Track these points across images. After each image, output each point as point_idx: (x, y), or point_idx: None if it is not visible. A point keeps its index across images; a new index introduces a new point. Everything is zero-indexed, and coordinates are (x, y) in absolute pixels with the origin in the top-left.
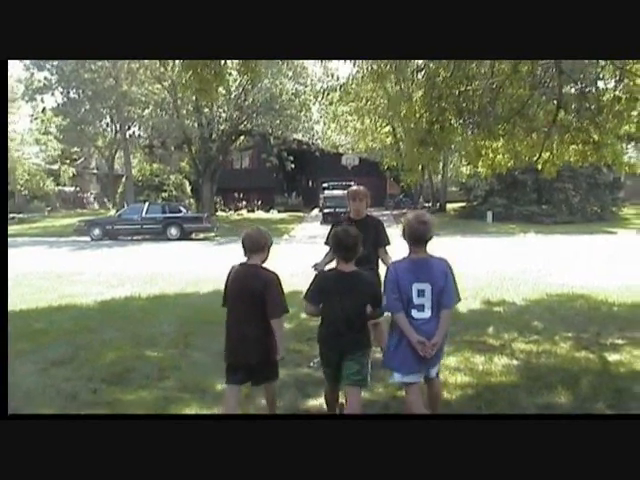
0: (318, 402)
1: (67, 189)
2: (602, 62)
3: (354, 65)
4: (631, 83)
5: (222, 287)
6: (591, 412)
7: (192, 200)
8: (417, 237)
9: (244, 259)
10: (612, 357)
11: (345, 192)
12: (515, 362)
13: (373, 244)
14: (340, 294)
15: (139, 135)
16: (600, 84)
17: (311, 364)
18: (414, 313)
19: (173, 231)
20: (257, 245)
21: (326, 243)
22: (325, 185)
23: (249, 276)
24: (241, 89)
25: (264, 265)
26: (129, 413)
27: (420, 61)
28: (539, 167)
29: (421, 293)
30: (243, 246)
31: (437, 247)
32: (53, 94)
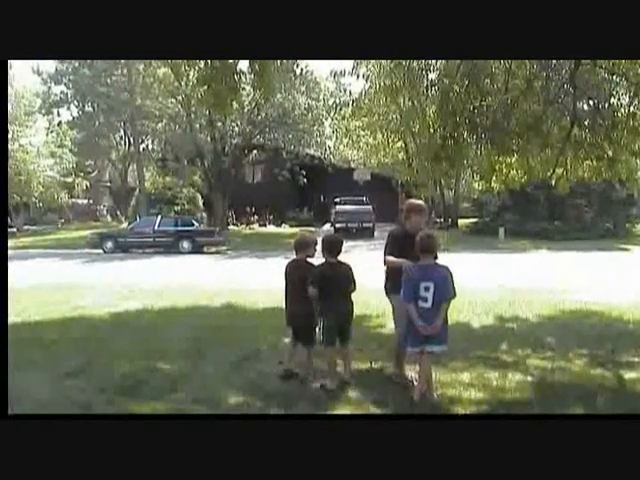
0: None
1: (80, 201)
2: (616, 78)
3: (367, 80)
4: None
5: (234, 301)
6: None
7: (204, 214)
8: (425, 248)
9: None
10: (628, 375)
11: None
12: (529, 378)
13: None
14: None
15: (152, 148)
16: (614, 100)
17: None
18: (420, 303)
19: (185, 244)
20: (302, 245)
21: None
22: (337, 200)
23: (297, 267)
24: (254, 103)
25: (308, 259)
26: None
27: (434, 76)
28: (553, 183)
29: (426, 289)
30: (294, 246)
31: (449, 262)
32: (69, 108)
